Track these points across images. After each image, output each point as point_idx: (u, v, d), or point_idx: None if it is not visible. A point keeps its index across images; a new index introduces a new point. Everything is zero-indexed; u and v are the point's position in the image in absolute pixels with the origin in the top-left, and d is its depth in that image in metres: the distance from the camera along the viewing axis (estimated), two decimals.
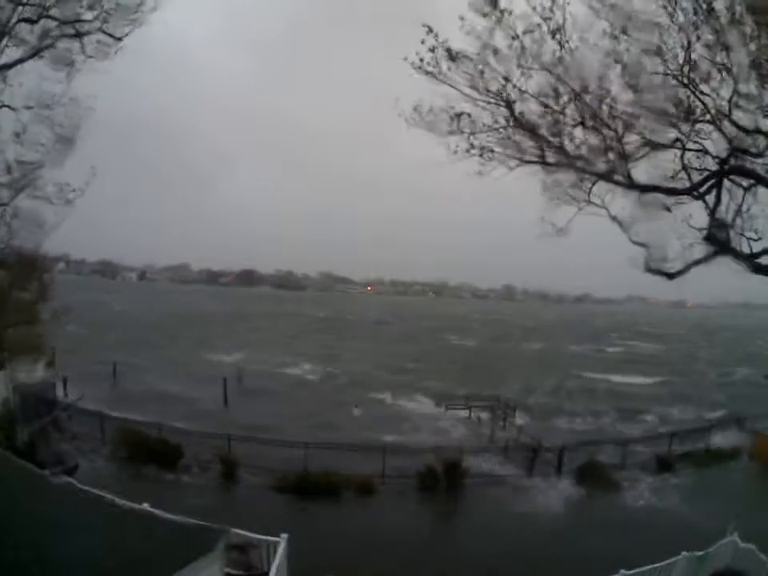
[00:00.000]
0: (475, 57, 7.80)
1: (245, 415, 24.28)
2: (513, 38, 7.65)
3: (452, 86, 7.91)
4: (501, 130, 8.25)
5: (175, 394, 28.05)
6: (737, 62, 7.31)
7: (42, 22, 11.25)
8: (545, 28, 7.61)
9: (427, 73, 7.87)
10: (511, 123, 8.21)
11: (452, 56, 7.78)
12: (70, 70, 11.87)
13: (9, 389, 19.17)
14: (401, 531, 13.69)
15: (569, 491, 17.21)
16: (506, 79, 7.95)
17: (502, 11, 7.47)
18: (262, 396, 29.45)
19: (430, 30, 7.58)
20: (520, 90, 8.04)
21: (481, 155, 8.24)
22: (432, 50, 7.72)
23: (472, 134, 8.19)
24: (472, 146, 8.21)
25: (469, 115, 8.11)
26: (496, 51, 7.74)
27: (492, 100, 8.07)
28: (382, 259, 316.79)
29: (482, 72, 7.86)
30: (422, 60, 7.79)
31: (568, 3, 7.41)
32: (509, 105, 8.09)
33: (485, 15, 7.49)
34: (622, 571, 9.45)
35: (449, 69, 7.87)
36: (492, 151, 8.30)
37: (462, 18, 7.51)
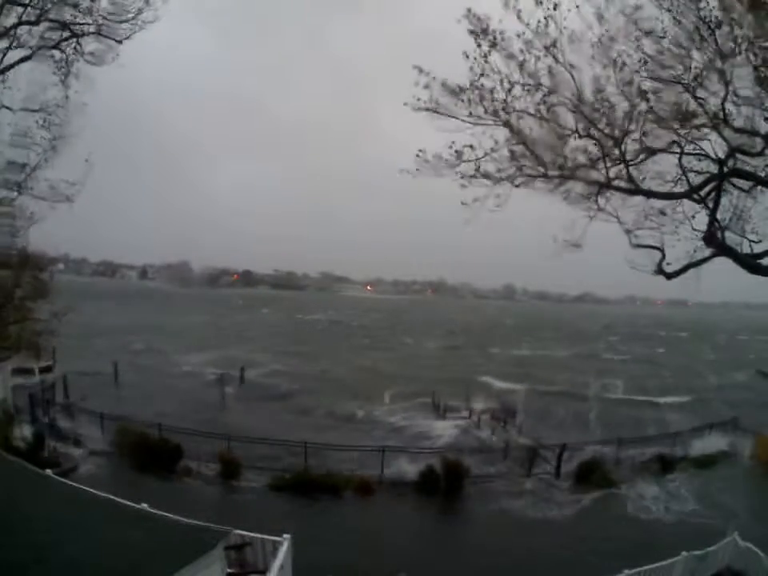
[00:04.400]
0: (472, 82, 7.81)
1: (244, 415, 24.36)
2: (508, 57, 7.69)
3: (450, 116, 7.94)
4: (503, 150, 8.26)
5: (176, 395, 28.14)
6: (735, 65, 7.30)
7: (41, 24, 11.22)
8: (538, 44, 7.62)
9: (426, 110, 7.94)
10: (512, 141, 8.22)
11: (449, 89, 7.82)
12: (68, 72, 11.85)
13: (8, 389, 19.20)
14: (401, 532, 13.70)
15: (568, 491, 17.18)
16: (504, 100, 7.94)
17: (492, 35, 7.50)
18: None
19: (421, 70, 7.63)
20: (518, 107, 8.04)
21: (486, 177, 8.24)
22: (426, 86, 7.77)
23: (477, 159, 8.15)
24: (477, 172, 8.20)
25: (471, 147, 8.10)
26: (492, 73, 7.74)
27: (491, 122, 8.08)
28: (381, 259, 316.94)
29: (480, 97, 7.86)
30: (418, 99, 7.87)
31: (564, 19, 7.40)
32: (507, 123, 8.09)
33: (478, 44, 7.50)
34: (625, 571, 9.53)
35: (443, 101, 7.90)
36: (499, 170, 8.31)
37: (465, 54, 7.53)
